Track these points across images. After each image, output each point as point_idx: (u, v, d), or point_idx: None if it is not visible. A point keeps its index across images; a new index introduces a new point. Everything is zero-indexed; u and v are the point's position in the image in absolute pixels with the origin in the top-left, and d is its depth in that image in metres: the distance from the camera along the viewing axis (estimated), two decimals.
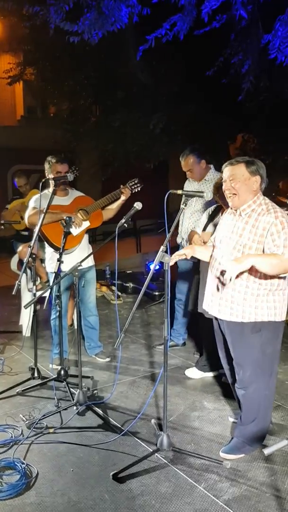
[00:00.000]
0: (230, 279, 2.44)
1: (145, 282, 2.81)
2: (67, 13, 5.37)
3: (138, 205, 3.40)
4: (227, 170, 2.75)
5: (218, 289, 2.84)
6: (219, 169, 3.44)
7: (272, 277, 2.66)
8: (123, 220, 3.37)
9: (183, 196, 2.81)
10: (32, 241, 3.72)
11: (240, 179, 2.69)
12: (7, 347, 4.85)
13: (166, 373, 2.89)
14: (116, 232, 3.45)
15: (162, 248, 2.75)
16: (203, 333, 4.13)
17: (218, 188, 3.38)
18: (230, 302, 2.77)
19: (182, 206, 2.80)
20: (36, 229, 3.72)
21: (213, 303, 2.90)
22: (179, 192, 2.82)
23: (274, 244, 2.59)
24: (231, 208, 2.84)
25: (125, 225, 3.40)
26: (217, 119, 9.81)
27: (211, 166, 4.45)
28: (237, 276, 2.58)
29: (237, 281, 2.70)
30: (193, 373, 4.16)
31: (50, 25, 5.48)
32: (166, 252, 2.74)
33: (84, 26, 5.27)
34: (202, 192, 2.79)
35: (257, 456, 2.94)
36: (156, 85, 9.12)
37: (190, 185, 4.57)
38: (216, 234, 3.00)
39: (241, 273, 2.60)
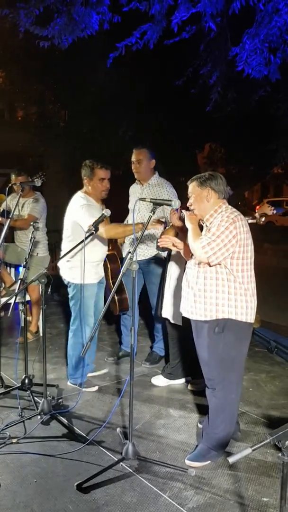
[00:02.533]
0: None
1: (112, 290, 2.80)
2: (37, 17, 5.34)
3: (106, 212, 3.40)
4: (189, 187, 2.96)
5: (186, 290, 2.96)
6: (187, 178, 3.48)
7: (235, 278, 2.78)
8: (91, 226, 3.35)
9: (152, 204, 2.82)
10: None
11: (194, 194, 2.91)
12: None
13: (132, 382, 2.88)
14: (85, 238, 3.43)
15: (129, 255, 2.75)
16: (170, 340, 4.15)
17: None
18: (193, 301, 2.87)
19: (150, 214, 2.80)
20: (3, 233, 3.66)
21: (183, 304, 3.00)
22: (148, 200, 2.83)
23: (210, 232, 2.76)
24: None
25: (94, 231, 3.38)
26: (185, 128, 9.94)
27: (156, 172, 4.49)
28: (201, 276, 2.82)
29: (200, 280, 2.82)
30: (159, 381, 4.16)
31: (19, 29, 5.42)
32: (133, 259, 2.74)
33: (54, 31, 5.24)
34: (170, 200, 2.81)
35: (221, 463, 2.96)
36: (125, 93, 9.16)
37: (134, 191, 4.60)
38: None
39: (205, 273, 2.81)
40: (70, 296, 3.89)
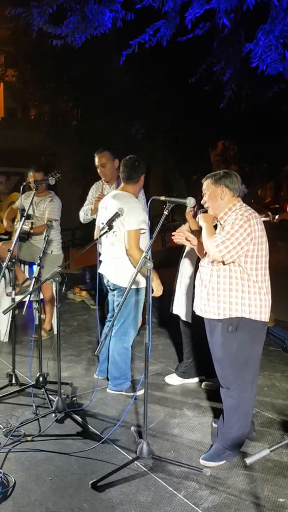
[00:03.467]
0: None
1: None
2: (50, 15, 5.34)
3: (120, 211, 3.39)
4: (203, 184, 2.94)
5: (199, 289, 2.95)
6: (200, 175, 3.46)
7: (249, 276, 2.76)
8: (105, 225, 3.35)
9: (166, 202, 2.80)
10: (13, 244, 3.68)
11: (208, 192, 2.89)
12: None
13: (146, 380, 2.87)
14: (99, 237, 3.43)
15: (144, 254, 2.74)
16: (183, 338, 4.14)
17: None
18: (206, 299, 2.86)
19: (165, 212, 2.78)
20: (17, 232, 3.69)
21: (196, 303, 3.00)
22: (162, 198, 2.81)
23: (224, 230, 2.74)
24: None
25: (107, 230, 3.38)
26: (198, 125, 9.88)
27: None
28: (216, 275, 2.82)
29: (214, 279, 2.82)
30: (173, 379, 4.15)
31: (33, 28, 5.42)
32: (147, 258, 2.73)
33: (68, 30, 5.24)
34: (185, 199, 2.79)
35: (236, 463, 2.94)
36: (137, 91, 9.12)
37: (100, 190, 4.58)
38: None
39: (219, 271, 2.80)
40: (122, 300, 3.73)
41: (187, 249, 3.90)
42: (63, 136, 10.88)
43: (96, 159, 4.45)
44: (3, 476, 2.70)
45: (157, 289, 3.74)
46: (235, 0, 4.68)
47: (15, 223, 5.25)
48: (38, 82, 10.47)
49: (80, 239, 13.21)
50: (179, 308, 4.01)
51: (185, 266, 3.97)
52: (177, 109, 9.23)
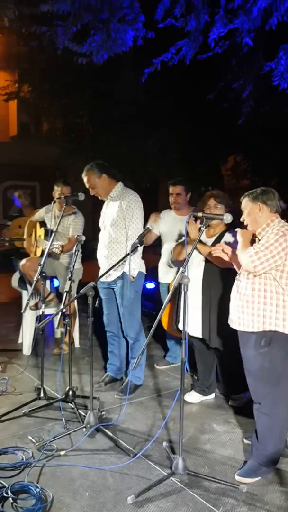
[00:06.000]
0: None
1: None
2: (73, 34, 5.45)
3: (151, 226, 3.45)
4: (242, 203, 3.00)
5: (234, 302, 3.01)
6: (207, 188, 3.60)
7: (284, 291, 2.79)
8: (136, 240, 3.40)
9: (204, 218, 2.84)
10: (42, 261, 3.73)
11: (246, 210, 2.94)
12: (8, 365, 4.76)
13: (182, 396, 2.89)
14: (130, 251, 3.47)
15: (181, 269, 2.77)
16: (196, 354, 4.07)
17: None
18: (241, 312, 2.90)
19: (202, 228, 2.82)
20: (46, 251, 3.75)
21: (231, 315, 3.03)
22: (200, 214, 2.85)
23: (259, 243, 2.79)
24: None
25: (138, 245, 3.43)
26: (211, 141, 9.97)
27: (120, 182, 4.15)
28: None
29: (248, 292, 2.85)
30: (192, 397, 4.07)
31: (57, 46, 5.53)
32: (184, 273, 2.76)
33: (92, 48, 5.34)
34: (222, 215, 2.83)
35: (272, 479, 2.93)
36: (153, 106, 9.24)
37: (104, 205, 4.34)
38: None
39: (254, 285, 2.84)
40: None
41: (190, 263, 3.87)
42: (77, 150, 11.00)
43: (84, 181, 4.14)
44: (40, 491, 2.70)
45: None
46: (258, 20, 4.77)
47: (35, 236, 5.29)
48: (53, 97, 10.61)
49: (94, 251, 13.23)
50: (190, 325, 3.81)
51: (194, 280, 3.89)
52: (192, 125, 9.33)
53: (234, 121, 7.01)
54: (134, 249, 3.66)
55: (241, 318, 2.90)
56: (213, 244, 3.46)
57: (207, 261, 3.64)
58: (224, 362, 3.93)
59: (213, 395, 4.12)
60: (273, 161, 10.26)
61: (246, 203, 2.93)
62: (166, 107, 9.20)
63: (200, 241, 3.50)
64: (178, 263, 4.16)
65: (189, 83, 8.87)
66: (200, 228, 2.88)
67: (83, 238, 3.75)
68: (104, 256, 4.07)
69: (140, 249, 3.84)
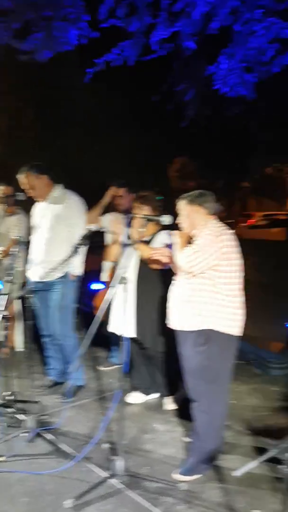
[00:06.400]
0: None
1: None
2: (16, 31, 5.34)
3: (92, 227, 3.44)
4: (178, 205, 3.03)
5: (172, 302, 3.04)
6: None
7: (221, 290, 2.85)
8: (79, 242, 3.39)
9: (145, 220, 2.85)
10: None
11: (183, 212, 2.98)
12: None
13: (122, 396, 2.88)
14: (73, 251, 3.44)
15: (120, 270, 2.77)
16: (134, 355, 4.03)
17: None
18: (178, 312, 2.95)
19: (140, 230, 2.83)
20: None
21: (170, 315, 3.07)
22: (140, 216, 2.86)
23: (195, 243, 2.84)
24: None
25: (80, 246, 3.41)
26: (157, 142, 10.07)
27: (61, 185, 4.13)
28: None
29: (185, 292, 2.89)
30: (135, 398, 4.08)
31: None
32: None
33: (34, 45, 5.25)
34: (161, 216, 2.85)
35: (210, 476, 2.98)
36: (100, 107, 9.21)
37: (37, 206, 4.26)
38: None
39: (191, 285, 2.88)
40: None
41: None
42: (22, 150, 10.78)
43: (22, 183, 4.03)
44: None
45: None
46: (199, 24, 4.85)
47: None
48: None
49: None
50: (122, 326, 3.65)
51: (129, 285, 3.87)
52: (138, 126, 9.38)
53: (179, 123, 7.09)
54: (76, 250, 3.62)
55: (179, 318, 2.94)
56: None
57: (141, 261, 3.67)
58: (160, 362, 3.94)
59: (156, 395, 4.14)
60: (218, 163, 10.49)
61: (183, 206, 2.97)
62: (113, 108, 9.20)
63: (142, 243, 3.52)
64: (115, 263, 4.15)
65: (136, 84, 8.91)
66: (139, 230, 2.89)
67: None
68: (40, 257, 3.99)
69: (82, 250, 3.82)
